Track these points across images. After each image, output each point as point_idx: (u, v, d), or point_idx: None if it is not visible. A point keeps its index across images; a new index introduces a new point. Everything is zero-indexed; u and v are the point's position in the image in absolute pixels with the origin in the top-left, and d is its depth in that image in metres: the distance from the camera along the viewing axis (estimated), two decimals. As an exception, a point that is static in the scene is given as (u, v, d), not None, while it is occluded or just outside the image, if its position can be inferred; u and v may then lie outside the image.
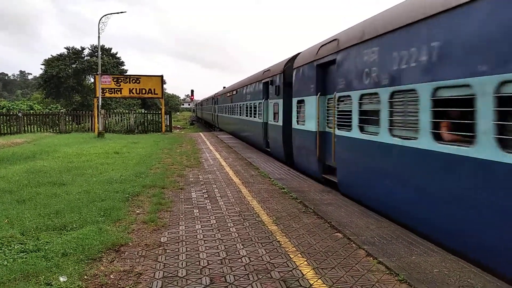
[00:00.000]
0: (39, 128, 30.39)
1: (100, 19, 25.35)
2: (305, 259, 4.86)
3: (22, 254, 4.88)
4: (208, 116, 47.92)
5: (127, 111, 34.74)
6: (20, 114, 30.19)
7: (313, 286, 4.12)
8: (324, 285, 4.16)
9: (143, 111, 36.56)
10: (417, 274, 4.32)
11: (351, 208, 7.21)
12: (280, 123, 13.63)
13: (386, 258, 4.79)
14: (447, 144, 5.18)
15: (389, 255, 4.89)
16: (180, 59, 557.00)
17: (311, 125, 10.38)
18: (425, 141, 5.54)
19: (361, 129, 7.57)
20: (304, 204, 7.51)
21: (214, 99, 39.54)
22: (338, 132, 8.60)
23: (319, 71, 9.92)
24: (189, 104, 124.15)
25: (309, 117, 10.53)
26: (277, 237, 5.68)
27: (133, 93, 30.73)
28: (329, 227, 6.16)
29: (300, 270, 4.55)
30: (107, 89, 29.58)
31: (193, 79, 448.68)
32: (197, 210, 7.14)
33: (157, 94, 31.12)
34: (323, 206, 7.34)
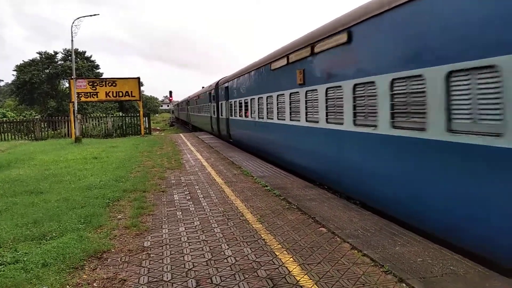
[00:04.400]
0: (13, 136, 29.49)
1: (73, 22, 24.83)
2: (291, 256, 4.87)
3: (-1, 267, 4.72)
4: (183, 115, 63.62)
5: (104, 115, 34.15)
6: (-8, 123, 29.25)
7: (299, 282, 4.13)
8: (311, 280, 4.17)
9: (120, 114, 35.98)
10: (401, 265, 4.38)
11: (334, 202, 7.27)
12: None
13: (371, 250, 4.84)
14: None
15: (373, 247, 4.94)
16: (155, 60, 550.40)
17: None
18: None
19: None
20: (288, 201, 7.53)
21: (186, 102, 55.04)
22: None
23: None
24: (168, 106, 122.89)
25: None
26: (262, 235, 5.67)
27: (109, 97, 30.19)
28: (313, 222, 6.19)
29: (286, 267, 4.55)
30: (82, 93, 28.95)
31: (171, 80, 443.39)
32: (180, 212, 7.06)
33: (134, 96, 30.67)
34: (307, 202, 7.37)
